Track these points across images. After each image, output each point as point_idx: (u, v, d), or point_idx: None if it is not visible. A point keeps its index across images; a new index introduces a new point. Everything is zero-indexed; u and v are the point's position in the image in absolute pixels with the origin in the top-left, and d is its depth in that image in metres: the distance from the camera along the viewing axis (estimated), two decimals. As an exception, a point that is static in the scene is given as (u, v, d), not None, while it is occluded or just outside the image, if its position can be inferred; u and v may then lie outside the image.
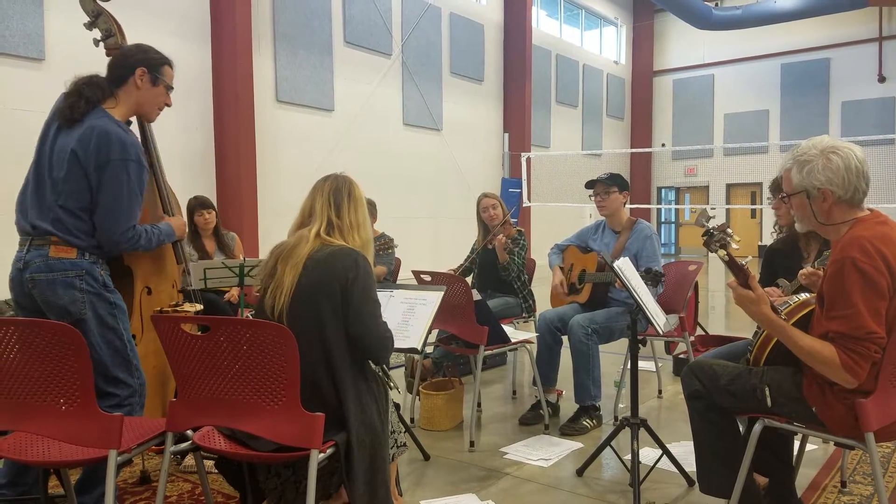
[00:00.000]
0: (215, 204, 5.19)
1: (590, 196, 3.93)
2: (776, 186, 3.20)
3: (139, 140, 2.50)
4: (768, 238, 3.42)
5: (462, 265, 4.71)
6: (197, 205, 4.82)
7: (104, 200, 2.34)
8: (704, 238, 2.14)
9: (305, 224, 2.23)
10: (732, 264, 2.08)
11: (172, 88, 2.62)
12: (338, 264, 2.11)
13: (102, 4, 2.87)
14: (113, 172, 2.32)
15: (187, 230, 4.73)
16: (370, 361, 2.27)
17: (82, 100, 2.38)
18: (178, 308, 2.84)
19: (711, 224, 2.16)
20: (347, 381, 2.09)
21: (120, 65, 2.51)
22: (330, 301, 2.09)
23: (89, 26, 2.88)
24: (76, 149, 2.31)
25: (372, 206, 4.99)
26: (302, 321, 2.06)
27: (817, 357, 1.97)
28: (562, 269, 4.06)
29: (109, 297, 2.40)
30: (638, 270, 3.05)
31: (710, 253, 2.14)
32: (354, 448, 2.03)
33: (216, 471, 2.86)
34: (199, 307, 2.94)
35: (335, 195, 2.24)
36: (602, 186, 3.85)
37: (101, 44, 2.86)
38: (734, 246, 2.10)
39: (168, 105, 2.64)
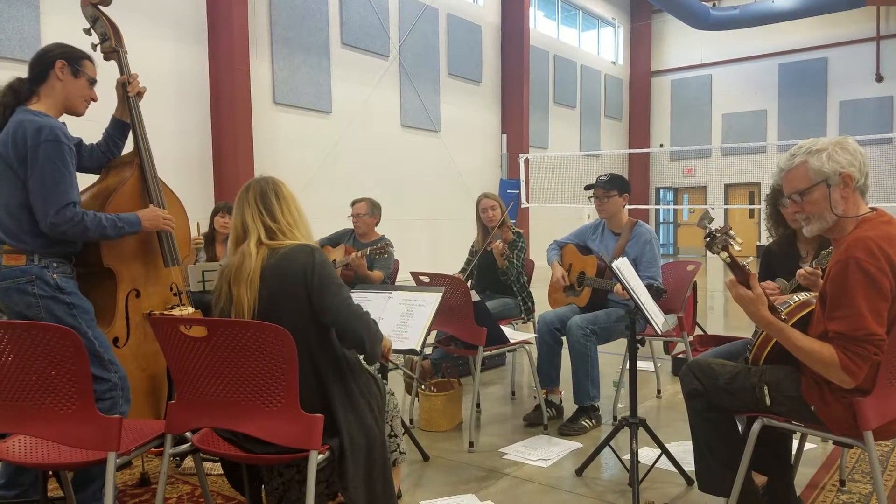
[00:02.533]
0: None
1: (589, 198, 3.90)
2: (775, 195, 3.18)
3: (59, 122, 2.46)
4: (767, 238, 3.42)
5: (463, 269, 4.70)
6: (221, 207, 4.83)
7: (32, 187, 2.34)
8: (707, 240, 2.13)
9: (242, 240, 2.13)
10: (734, 266, 2.08)
11: (95, 82, 2.60)
12: (293, 266, 2.06)
13: (102, 9, 2.88)
14: (33, 158, 2.33)
15: (201, 231, 4.75)
16: (363, 358, 2.23)
17: (1, 107, 2.43)
18: (166, 312, 2.83)
19: (713, 226, 2.17)
20: (334, 383, 2.08)
21: (39, 61, 2.51)
22: (297, 304, 2.05)
23: (88, 31, 2.90)
24: (0, 150, 2.35)
25: (376, 207, 4.99)
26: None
27: (816, 357, 1.97)
28: (560, 266, 4.05)
29: (66, 298, 2.41)
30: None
31: (709, 253, 2.14)
32: (347, 451, 2.01)
33: (216, 472, 2.88)
34: (190, 310, 2.93)
35: (262, 200, 2.15)
36: (601, 190, 3.81)
37: (98, 47, 2.87)
38: (736, 248, 2.11)
39: (94, 99, 2.62)
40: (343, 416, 2.04)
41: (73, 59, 2.52)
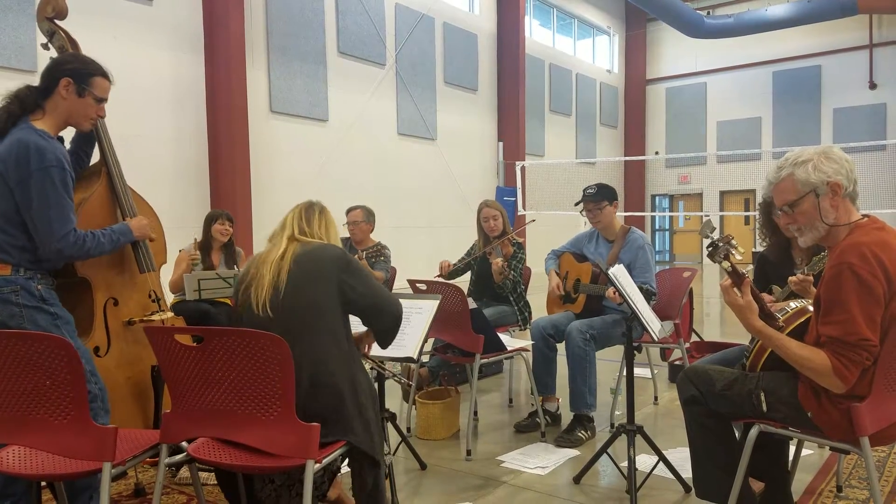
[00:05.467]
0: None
1: (581, 212, 3.91)
2: (767, 205, 3.20)
3: (61, 145, 2.45)
4: (761, 245, 3.43)
5: (455, 265, 4.67)
6: (220, 215, 4.82)
7: (35, 212, 2.31)
8: (709, 249, 2.16)
9: (277, 236, 2.33)
10: (735, 274, 2.09)
11: (104, 100, 2.56)
12: (328, 255, 2.21)
13: (58, 23, 2.84)
14: (36, 183, 2.30)
15: (203, 239, 4.74)
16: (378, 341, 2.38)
17: (5, 114, 2.38)
18: (146, 318, 2.83)
19: (715, 235, 2.19)
20: (344, 371, 2.12)
21: (48, 75, 2.47)
22: (327, 285, 2.15)
23: (46, 46, 2.87)
24: None
25: (371, 214, 4.99)
26: (298, 312, 2.11)
27: (807, 364, 1.98)
28: (557, 274, 4.06)
29: (49, 309, 2.39)
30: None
31: (705, 260, 2.16)
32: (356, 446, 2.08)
33: (213, 482, 2.86)
34: (170, 314, 2.94)
35: (306, 212, 2.36)
36: (592, 203, 3.81)
37: None
38: (738, 256, 2.13)
39: (101, 116, 2.60)
40: (351, 408, 2.09)
41: (81, 77, 2.46)
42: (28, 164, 2.29)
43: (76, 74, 2.45)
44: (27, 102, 2.42)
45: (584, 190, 3.90)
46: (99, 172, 2.83)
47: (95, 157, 2.91)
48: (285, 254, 2.20)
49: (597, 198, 3.81)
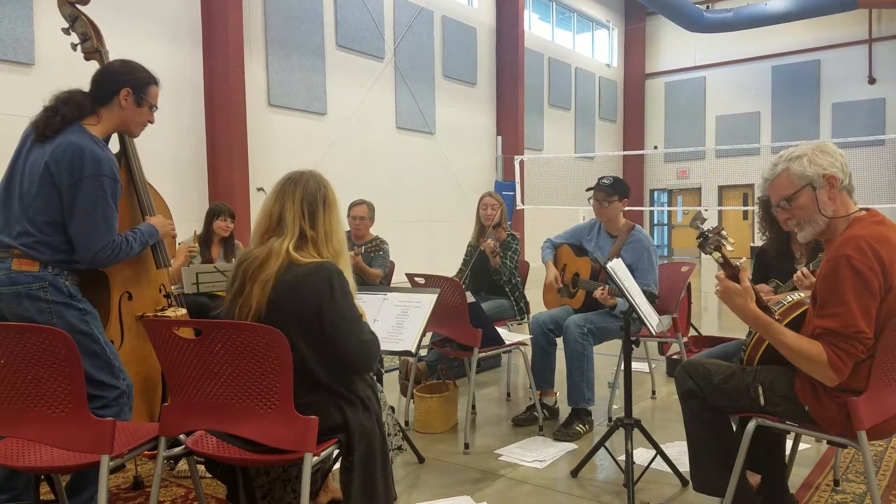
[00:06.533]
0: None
1: (588, 199, 3.89)
2: (766, 202, 3.20)
3: (114, 154, 2.49)
4: (760, 238, 3.43)
5: (461, 269, 4.70)
6: (221, 210, 4.84)
7: (79, 218, 2.33)
8: (699, 240, 2.15)
9: (273, 230, 2.06)
10: (727, 266, 2.09)
11: (157, 108, 2.62)
12: (308, 290, 1.97)
13: (80, 8, 2.84)
14: (87, 189, 2.32)
15: (199, 232, 4.75)
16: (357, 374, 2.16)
17: (58, 116, 2.39)
18: (159, 314, 2.82)
19: (706, 226, 2.18)
20: (333, 381, 2.05)
21: (105, 84, 2.50)
22: (302, 327, 1.98)
23: (67, 31, 2.87)
24: (49, 164, 2.32)
25: (373, 209, 4.98)
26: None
27: (803, 354, 1.98)
28: (555, 266, 4.06)
29: (78, 304, 2.40)
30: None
31: (703, 254, 2.17)
32: (344, 449, 2.03)
33: (210, 475, 2.87)
34: (182, 311, 2.93)
35: (309, 204, 2.06)
36: (603, 194, 3.77)
37: (79, 47, 2.84)
38: (729, 248, 2.12)
39: (151, 123, 2.65)
40: (345, 413, 2.04)
41: (139, 86, 2.52)
42: (81, 169, 2.31)
43: (135, 84, 2.51)
44: (84, 109, 2.45)
45: (599, 178, 3.87)
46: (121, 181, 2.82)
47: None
48: (275, 275, 1.97)
49: (609, 190, 3.77)
